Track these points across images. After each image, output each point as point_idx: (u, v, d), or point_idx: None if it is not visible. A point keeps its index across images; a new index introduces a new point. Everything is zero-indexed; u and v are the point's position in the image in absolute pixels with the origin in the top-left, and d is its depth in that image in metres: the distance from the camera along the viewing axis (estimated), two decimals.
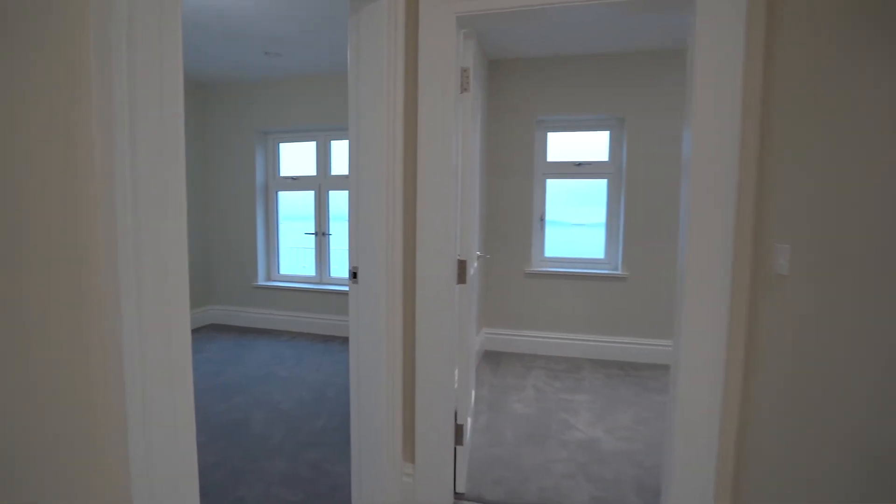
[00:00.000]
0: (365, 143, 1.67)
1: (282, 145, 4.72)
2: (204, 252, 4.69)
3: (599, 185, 3.97)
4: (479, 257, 2.81)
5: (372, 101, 1.64)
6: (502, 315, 3.95)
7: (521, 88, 3.78)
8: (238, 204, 4.63)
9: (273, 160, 4.70)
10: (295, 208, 4.83)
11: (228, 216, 4.68)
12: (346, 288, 4.22)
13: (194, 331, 4.46)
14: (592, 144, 3.99)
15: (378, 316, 1.67)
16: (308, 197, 4.63)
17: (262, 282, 4.65)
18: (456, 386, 1.77)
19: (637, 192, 3.65)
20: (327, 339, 4.25)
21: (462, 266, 1.75)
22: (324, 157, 4.54)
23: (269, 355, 3.73)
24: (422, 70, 1.66)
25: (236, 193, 4.63)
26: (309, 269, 4.79)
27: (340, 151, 4.56)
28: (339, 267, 4.73)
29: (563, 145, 4.01)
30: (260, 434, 2.42)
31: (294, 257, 4.93)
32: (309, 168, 4.63)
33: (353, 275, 1.67)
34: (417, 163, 1.70)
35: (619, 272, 3.74)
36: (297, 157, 4.74)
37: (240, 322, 4.70)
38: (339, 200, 4.60)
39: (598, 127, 3.89)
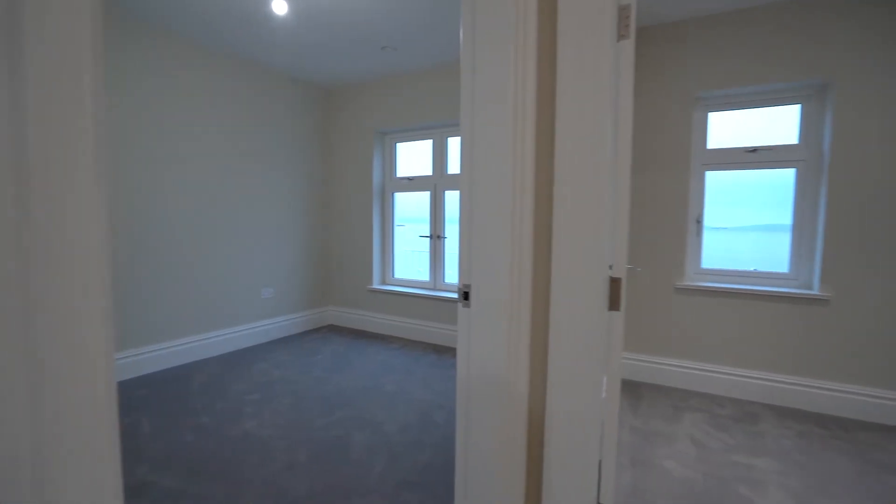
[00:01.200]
0: (482, 122, 1.26)
1: (398, 145, 4.59)
2: (324, 253, 4.77)
3: (782, 177, 3.04)
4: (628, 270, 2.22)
5: (492, 57, 1.21)
6: (645, 337, 3.24)
7: (674, 58, 3.05)
8: (356, 206, 4.61)
9: (390, 160, 4.59)
10: (410, 210, 4.67)
11: (347, 218, 4.69)
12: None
13: (313, 331, 4.53)
14: (773, 124, 3.07)
15: (495, 353, 1.24)
16: (423, 198, 4.42)
17: (376, 285, 4.56)
18: (600, 458, 1.25)
19: (846, 185, 2.68)
20: (439, 349, 3.96)
21: (616, 287, 1.23)
22: (440, 156, 4.28)
23: (378, 364, 3.55)
24: (562, 10, 1.19)
25: (354, 195, 4.62)
26: (423, 274, 4.58)
27: (457, 148, 4.25)
28: (454, 272, 4.43)
29: (729, 128, 3.16)
30: (358, 461, 2.16)
31: (409, 261, 4.78)
32: (425, 167, 4.42)
33: (464, 295, 1.26)
34: (556, 146, 1.23)
35: (814, 292, 2.78)
36: (413, 157, 4.56)
37: (355, 325, 4.68)
38: (455, 201, 4.30)
39: (783, 100, 2.97)
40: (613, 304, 1.25)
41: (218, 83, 3.64)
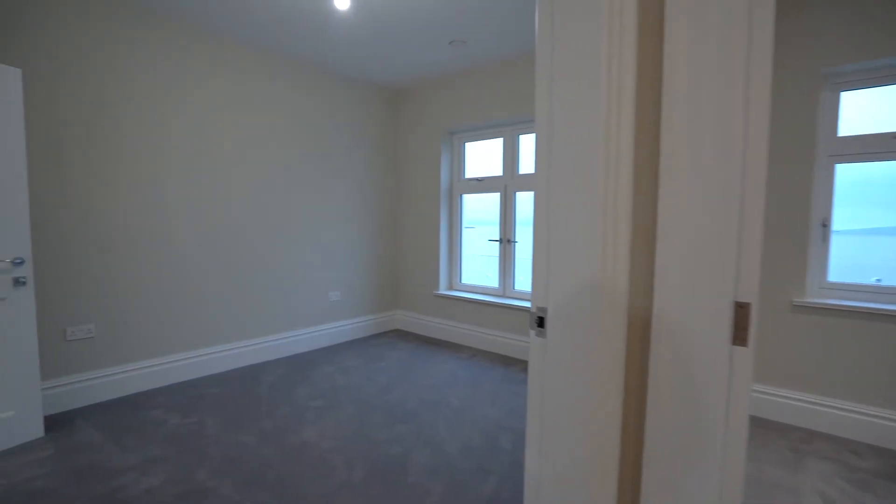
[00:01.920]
0: (563, 107, 1.02)
1: (467, 145, 4.40)
2: (391, 256, 4.71)
3: None
4: None
5: (578, 24, 0.97)
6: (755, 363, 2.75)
7: (791, 25, 2.55)
8: (423, 208, 4.50)
9: (458, 161, 4.42)
10: (479, 212, 4.46)
11: (414, 221, 4.59)
12: (529, 304, 3.58)
13: (379, 335, 4.48)
14: None
15: (576, 394, 0.99)
16: (493, 200, 4.19)
17: (443, 290, 4.41)
18: None
19: None
20: (507, 361, 3.71)
21: (743, 314, 0.93)
22: (511, 155, 4.03)
23: (444, 374, 3.38)
24: None
25: (422, 197, 4.50)
26: (492, 280, 4.35)
27: (530, 147, 3.98)
28: (526, 279, 4.15)
29: (868, 110, 2.58)
30: (416, 485, 1.99)
31: (477, 266, 4.57)
32: (494, 168, 4.19)
33: (538, 321, 1.03)
34: (663, 129, 0.96)
35: None
36: (482, 157, 4.36)
37: (422, 330, 4.56)
38: (526, 203, 4.03)
39: None
40: (739, 336, 0.95)
41: (282, 86, 3.69)
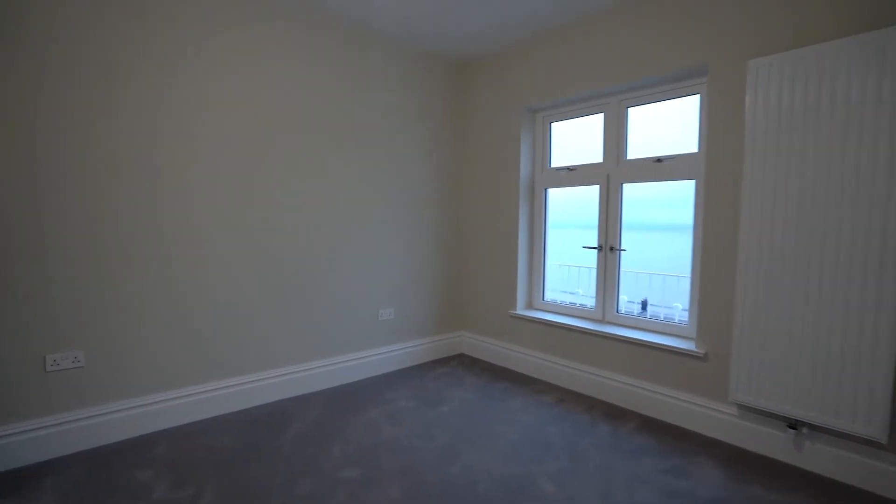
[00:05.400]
0: None
1: (554, 125, 3.46)
2: (458, 266, 3.86)
3: None
4: None
5: None
6: None
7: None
8: (496, 206, 3.61)
9: (542, 146, 3.48)
10: (569, 211, 3.49)
11: (486, 221, 3.72)
12: (641, 336, 2.57)
13: (441, 361, 3.65)
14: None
15: None
16: (589, 195, 3.21)
17: (520, 310, 3.48)
18: None
19: None
20: (613, 413, 2.70)
21: None
22: (616, 135, 3.02)
23: (527, 431, 2.46)
24: None
25: (494, 193, 3.62)
26: (586, 299, 3.36)
27: (643, 121, 2.95)
28: (634, 298, 3.12)
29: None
30: None
31: (565, 280, 3.60)
32: (592, 153, 3.20)
33: None
34: None
35: None
36: (575, 140, 3.39)
37: (493, 358, 3.66)
38: (639, 198, 3.00)
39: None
40: None
41: (318, 61, 2.98)
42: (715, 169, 2.39)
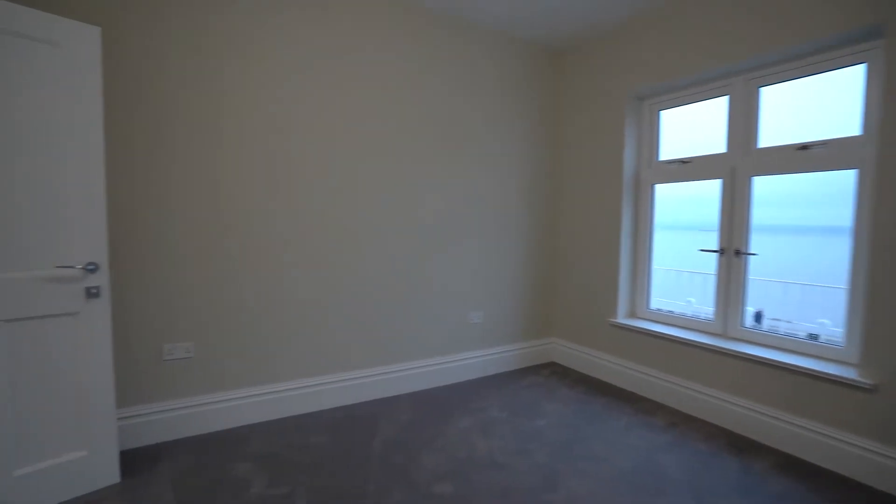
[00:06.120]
0: None
1: (663, 113, 3.08)
2: (551, 267, 3.61)
3: None
4: None
5: None
6: None
7: None
8: (595, 204, 3.30)
9: (650, 137, 3.12)
10: (681, 208, 3.10)
11: (583, 220, 3.43)
12: (777, 356, 2.18)
13: (531, 370, 3.42)
14: None
15: None
16: (707, 190, 2.80)
17: (622, 319, 3.15)
18: None
19: None
20: (739, 444, 2.30)
21: None
22: (744, 119, 2.60)
23: (635, 457, 2.17)
24: None
25: (594, 189, 3.32)
26: (703, 309, 2.96)
27: (779, 102, 2.50)
28: (764, 311, 2.67)
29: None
30: None
31: (675, 286, 3.21)
32: (711, 143, 2.79)
33: None
34: None
35: None
36: (688, 129, 2.99)
37: (588, 369, 3.36)
38: (772, 194, 2.55)
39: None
40: None
41: (408, 51, 2.89)
42: (893, 155, 1.91)
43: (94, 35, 1.76)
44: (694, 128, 2.95)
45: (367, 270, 2.77)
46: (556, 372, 3.40)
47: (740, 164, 2.61)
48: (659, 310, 3.13)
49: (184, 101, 2.20)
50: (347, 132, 2.64)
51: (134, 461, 2.05)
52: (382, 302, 2.83)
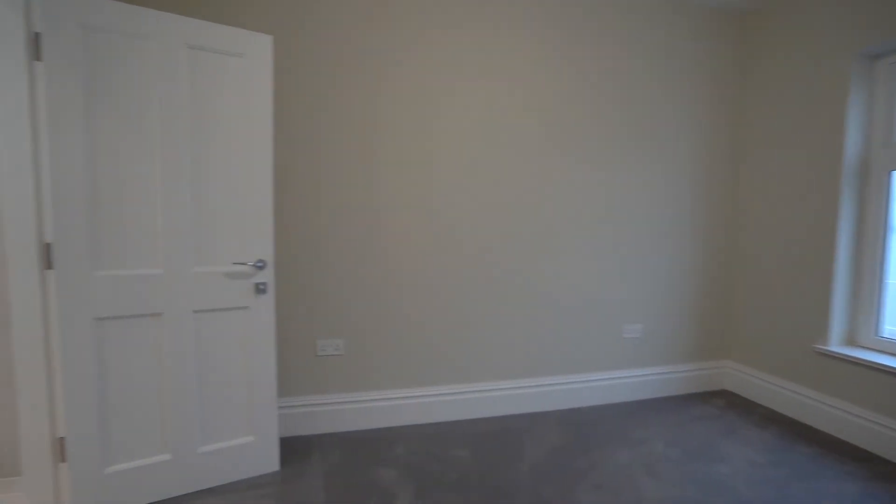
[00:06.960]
0: None
1: None
2: (729, 275, 3.00)
3: None
4: None
5: None
6: None
7: None
8: (798, 196, 2.62)
9: (887, 109, 2.36)
10: None
11: (776, 218, 2.76)
12: None
13: (699, 397, 2.87)
14: None
15: None
16: None
17: (836, 347, 2.44)
18: None
19: None
20: None
21: None
22: None
23: None
24: None
25: (796, 178, 2.63)
26: None
27: None
28: None
29: None
30: None
31: None
32: None
33: None
34: None
35: None
36: None
37: (779, 405, 2.70)
38: None
39: None
40: None
41: (570, 21, 2.57)
42: None
43: (267, 43, 1.85)
44: None
45: (513, 276, 2.56)
46: (732, 404, 2.80)
47: None
48: (893, 339, 2.35)
49: (335, 100, 2.24)
50: (520, 133, 2.46)
51: (290, 449, 2.15)
52: (525, 308, 2.60)
